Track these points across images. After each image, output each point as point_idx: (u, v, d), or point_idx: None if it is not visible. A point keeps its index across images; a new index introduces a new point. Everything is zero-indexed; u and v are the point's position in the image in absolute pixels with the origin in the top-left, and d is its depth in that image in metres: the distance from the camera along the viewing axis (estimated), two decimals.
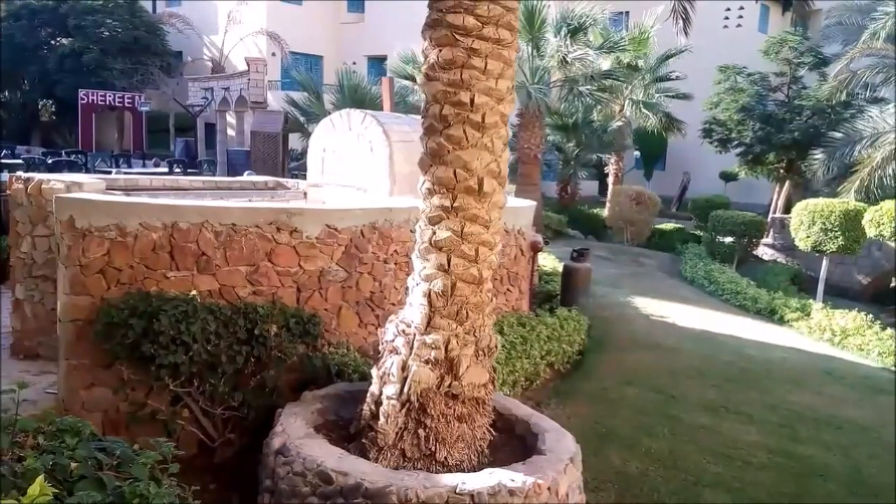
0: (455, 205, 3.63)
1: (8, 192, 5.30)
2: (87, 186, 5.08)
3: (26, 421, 1.81)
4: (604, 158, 22.68)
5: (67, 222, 4.35)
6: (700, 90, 21.60)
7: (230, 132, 24.11)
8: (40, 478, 1.52)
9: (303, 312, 4.54)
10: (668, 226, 20.86)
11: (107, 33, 25.67)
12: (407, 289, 3.95)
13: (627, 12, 24.72)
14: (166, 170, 13.90)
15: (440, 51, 3.55)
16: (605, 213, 21.09)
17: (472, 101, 3.53)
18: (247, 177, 8.76)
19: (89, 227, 4.33)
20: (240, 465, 4.47)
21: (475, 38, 3.49)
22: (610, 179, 22.06)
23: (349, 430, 4.07)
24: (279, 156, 14.32)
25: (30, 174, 5.26)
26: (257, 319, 4.25)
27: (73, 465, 1.72)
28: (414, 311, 3.77)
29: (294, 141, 18.85)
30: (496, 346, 3.86)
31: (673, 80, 20.90)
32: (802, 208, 12.51)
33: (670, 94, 21.31)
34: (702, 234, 18.62)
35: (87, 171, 12.88)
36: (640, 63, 20.26)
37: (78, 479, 1.68)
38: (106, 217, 4.33)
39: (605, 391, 6.43)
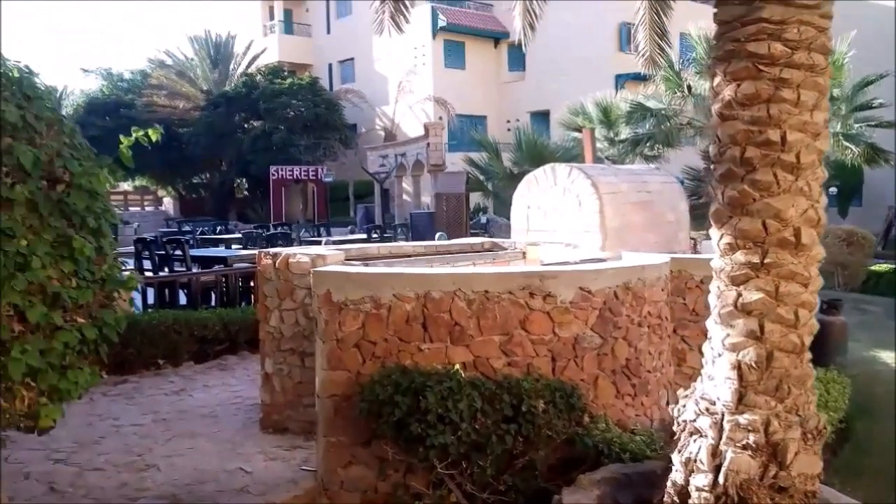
0: (766, 261, 3.11)
1: (258, 267, 5.49)
2: (331, 259, 5.13)
3: None
4: None
5: (325, 296, 4.33)
6: None
7: (405, 196, 25.06)
8: None
9: (565, 385, 4.16)
10: (883, 267, 18.45)
11: (292, 113, 28.01)
12: (703, 359, 3.44)
13: None
14: (365, 236, 14.50)
15: (738, 85, 3.11)
16: None
17: (783, 138, 3.04)
18: (464, 240, 8.73)
19: (345, 301, 4.29)
20: None
21: (783, 67, 3.02)
22: None
23: None
24: (463, 216, 14.43)
25: (276, 250, 5.43)
26: (522, 394, 3.93)
27: None
28: (719, 385, 3.24)
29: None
30: (825, 428, 3.23)
31: (875, 107, 18.85)
32: None
33: (872, 122, 19.22)
34: None
35: (296, 241, 13.73)
36: (836, 92, 18.49)
37: None
38: (361, 289, 4.27)
39: None
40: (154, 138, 3.33)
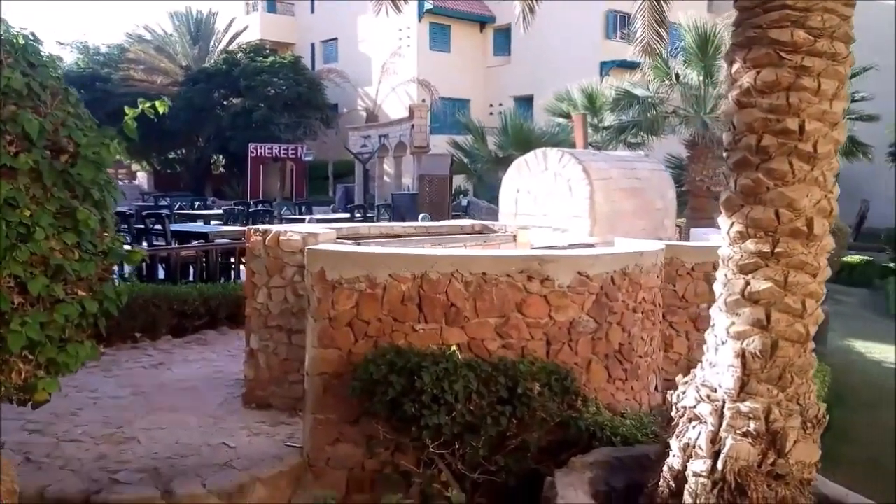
0: (776, 250, 3.09)
1: (247, 243, 5.36)
2: (322, 237, 5.02)
3: None
4: None
5: (318, 274, 4.24)
6: (884, 110, 19.51)
7: (385, 178, 24.86)
8: None
9: (560, 368, 4.13)
10: (854, 258, 18.81)
11: (273, 91, 27.52)
12: (705, 347, 3.43)
13: None
14: (348, 215, 14.34)
15: (758, 72, 3.07)
16: None
17: (801, 127, 3.01)
18: (453, 221, 8.65)
19: (339, 279, 4.20)
20: None
21: (805, 55, 2.98)
22: None
23: None
24: (446, 198, 14.34)
25: (266, 227, 5.31)
26: (518, 377, 3.90)
27: None
28: (721, 373, 3.23)
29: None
30: (824, 417, 3.23)
31: (857, 101, 19.10)
32: None
33: (853, 116, 19.46)
34: None
35: (277, 219, 13.52)
36: None
37: None
38: (357, 268, 4.19)
39: (876, 461, 5.49)
40: (162, 111, 3.20)
